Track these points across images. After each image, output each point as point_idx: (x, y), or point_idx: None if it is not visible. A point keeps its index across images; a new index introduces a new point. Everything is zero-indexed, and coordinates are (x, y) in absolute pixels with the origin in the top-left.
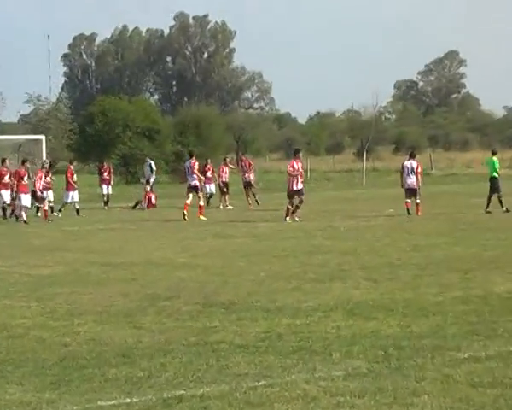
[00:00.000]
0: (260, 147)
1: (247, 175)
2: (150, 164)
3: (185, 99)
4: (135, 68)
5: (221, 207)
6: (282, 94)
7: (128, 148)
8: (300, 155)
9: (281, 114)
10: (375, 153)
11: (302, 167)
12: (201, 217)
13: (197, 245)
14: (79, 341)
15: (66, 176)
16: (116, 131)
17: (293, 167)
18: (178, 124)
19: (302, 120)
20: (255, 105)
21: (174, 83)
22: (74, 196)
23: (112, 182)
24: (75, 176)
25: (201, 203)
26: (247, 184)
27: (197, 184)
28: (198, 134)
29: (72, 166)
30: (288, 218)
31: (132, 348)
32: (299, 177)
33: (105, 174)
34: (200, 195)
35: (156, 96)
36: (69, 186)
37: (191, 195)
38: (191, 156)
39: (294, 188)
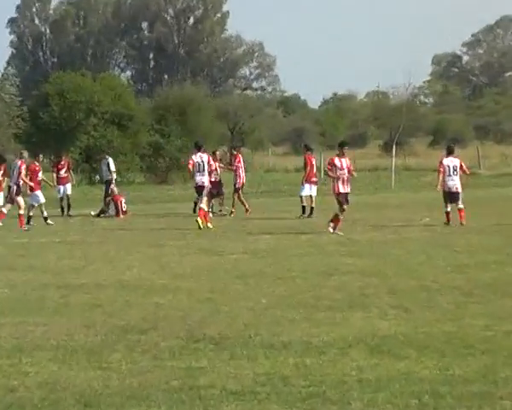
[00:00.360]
0: (261, 138)
1: (236, 175)
2: (108, 162)
3: (165, 77)
4: (101, 37)
5: (210, 214)
6: (288, 71)
7: (92, 138)
8: (346, 149)
9: (287, 96)
10: (408, 146)
11: (348, 166)
12: (199, 221)
13: (180, 263)
14: (29, 384)
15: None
16: (77, 118)
17: (334, 165)
18: (157, 108)
19: (314, 105)
20: (255, 85)
21: (151, 56)
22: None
23: (72, 182)
24: (41, 173)
25: (203, 206)
26: (234, 187)
27: (206, 183)
28: (182, 122)
29: (37, 162)
30: (332, 229)
31: (97, 393)
32: (345, 177)
33: (62, 172)
34: (205, 199)
35: (129, 73)
36: (35, 186)
37: (205, 198)
38: (199, 148)
39: (342, 190)
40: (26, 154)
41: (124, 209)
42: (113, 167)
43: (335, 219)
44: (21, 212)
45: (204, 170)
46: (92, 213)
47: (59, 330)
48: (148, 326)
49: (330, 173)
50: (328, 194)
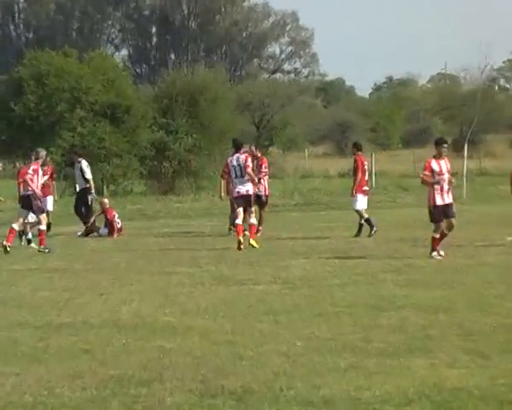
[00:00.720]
0: (295, 135)
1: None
2: (81, 166)
3: (172, 57)
4: (89, 6)
5: (232, 232)
6: (330, 48)
7: (78, 136)
8: (445, 148)
9: (328, 81)
10: (484, 145)
11: (448, 170)
12: (253, 242)
13: (191, 296)
14: None
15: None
16: (59, 109)
17: (432, 169)
18: (161, 97)
19: (364, 92)
20: (286, 66)
21: (154, 30)
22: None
23: (54, 195)
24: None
25: (254, 221)
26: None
27: (250, 191)
28: (193, 114)
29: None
30: (435, 253)
31: None
32: (445, 184)
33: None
34: (253, 209)
35: (125, 52)
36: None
37: (241, 209)
38: (238, 148)
39: (439, 202)
40: (43, 153)
41: (119, 226)
42: (88, 174)
43: (435, 241)
44: (15, 226)
45: (242, 175)
46: (78, 232)
47: (36, 382)
48: (150, 377)
49: (429, 180)
50: (381, 206)
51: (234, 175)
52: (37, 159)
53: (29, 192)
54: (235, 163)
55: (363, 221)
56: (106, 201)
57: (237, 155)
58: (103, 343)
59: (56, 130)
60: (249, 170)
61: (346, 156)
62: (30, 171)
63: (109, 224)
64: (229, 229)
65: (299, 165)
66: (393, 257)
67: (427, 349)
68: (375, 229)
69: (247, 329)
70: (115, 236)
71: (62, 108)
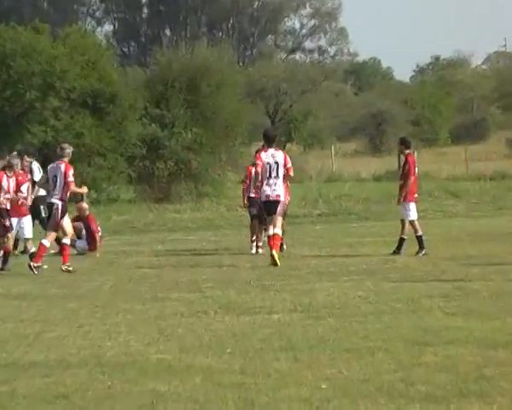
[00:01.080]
0: (319, 129)
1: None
2: (31, 168)
3: (167, 33)
4: None
5: (253, 250)
6: (361, 22)
7: (52, 130)
8: None
9: (360, 62)
10: None
11: None
12: (275, 254)
13: (190, 328)
14: None
15: None
16: (28, 98)
17: None
18: (153, 82)
19: (404, 76)
20: (308, 44)
21: (144, 0)
22: (23, 224)
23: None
24: (26, 186)
25: (279, 231)
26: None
27: (281, 197)
28: (193, 104)
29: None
30: None
31: None
32: None
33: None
34: (279, 223)
35: (109, 27)
36: (16, 207)
37: (280, 217)
38: (271, 142)
39: None
40: (69, 150)
41: (100, 234)
42: (37, 176)
43: None
44: (66, 241)
45: (278, 176)
46: (52, 250)
47: None
48: None
49: None
50: (427, 216)
51: (267, 174)
52: (62, 158)
53: (55, 201)
54: (270, 160)
55: (405, 236)
56: (85, 206)
57: (272, 150)
58: (83, 387)
59: (24, 123)
60: (292, 172)
61: (382, 155)
62: (71, 176)
63: (91, 236)
64: (252, 242)
65: (324, 166)
66: (441, 279)
67: (482, 393)
68: (424, 251)
69: (260, 368)
70: (98, 254)
71: (32, 96)
